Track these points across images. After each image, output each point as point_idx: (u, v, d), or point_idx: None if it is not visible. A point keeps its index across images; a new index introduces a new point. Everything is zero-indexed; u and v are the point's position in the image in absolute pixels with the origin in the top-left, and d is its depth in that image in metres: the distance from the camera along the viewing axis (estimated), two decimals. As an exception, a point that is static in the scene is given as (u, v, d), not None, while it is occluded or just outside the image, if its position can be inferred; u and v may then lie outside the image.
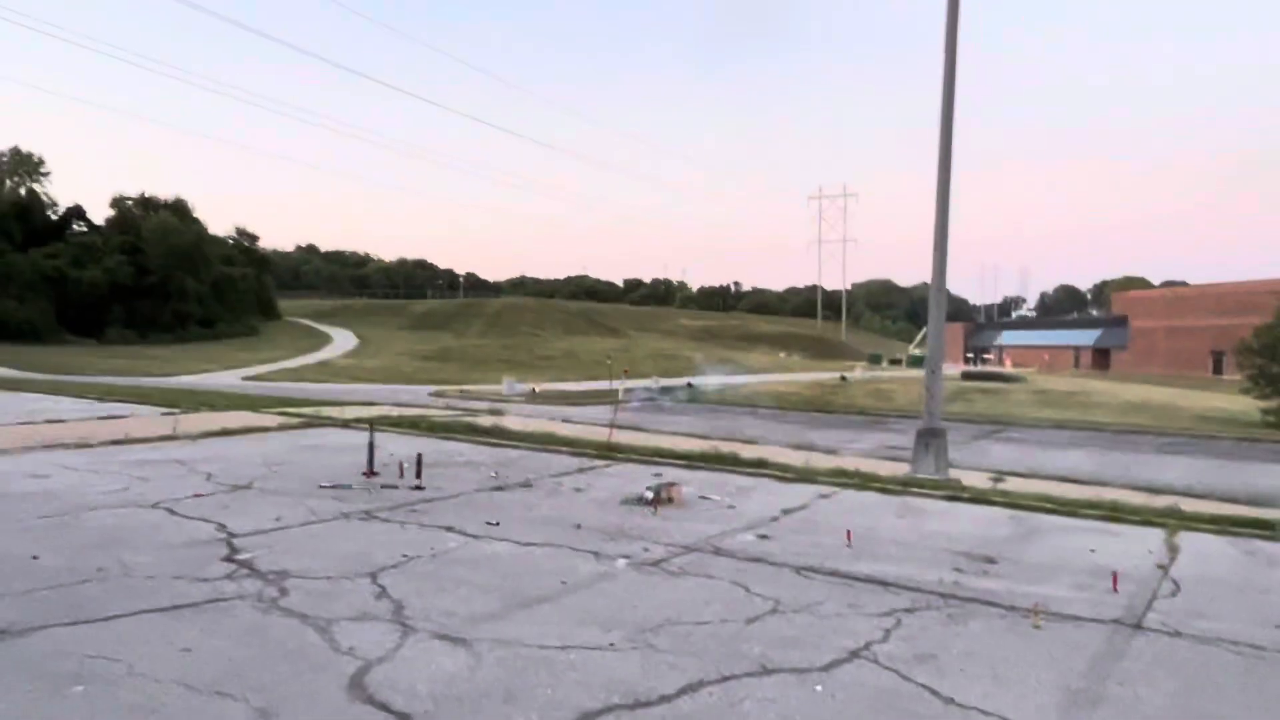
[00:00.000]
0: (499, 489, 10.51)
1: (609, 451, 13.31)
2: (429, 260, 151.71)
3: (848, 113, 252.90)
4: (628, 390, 33.79)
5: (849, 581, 6.99)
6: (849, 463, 13.25)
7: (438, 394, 32.10)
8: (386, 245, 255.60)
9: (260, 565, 6.96)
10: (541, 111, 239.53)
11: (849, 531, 8.47)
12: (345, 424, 16.28)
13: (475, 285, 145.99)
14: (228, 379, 37.33)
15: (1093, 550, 8.25)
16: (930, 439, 12.17)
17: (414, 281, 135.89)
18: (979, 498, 10.57)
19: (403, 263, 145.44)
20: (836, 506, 10.09)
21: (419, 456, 10.67)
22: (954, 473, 12.54)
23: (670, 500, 9.67)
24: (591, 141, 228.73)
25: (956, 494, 10.76)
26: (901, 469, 12.81)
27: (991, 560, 7.80)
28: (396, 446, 13.40)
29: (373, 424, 12.13)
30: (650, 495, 9.73)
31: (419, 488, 10.23)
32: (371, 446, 11.18)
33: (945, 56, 11.47)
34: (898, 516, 9.62)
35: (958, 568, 7.51)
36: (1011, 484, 12.04)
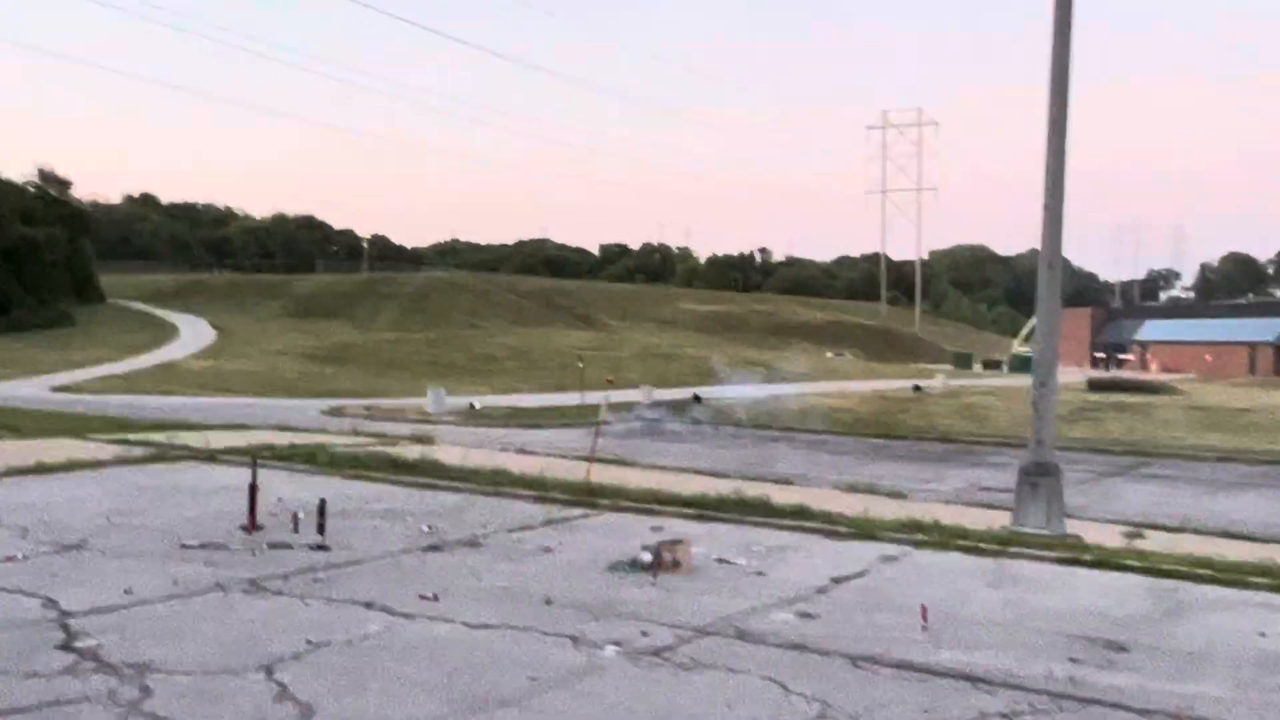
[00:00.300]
0: (435, 549, 10.84)
1: (588, 496, 13.67)
2: (318, 218, 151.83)
3: (923, 7, 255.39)
4: (612, 406, 34.19)
5: (924, 676, 7.37)
6: (925, 511, 13.66)
7: (334, 412, 32.39)
8: (257, 197, 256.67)
9: (111, 655, 7.28)
10: (477, 6, 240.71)
11: (924, 608, 8.86)
12: (210, 456, 16.58)
13: (386, 254, 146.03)
14: (29, 390, 37.56)
15: (1263, 634, 8.66)
16: (1039, 478, 12.60)
17: (296, 248, 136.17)
18: (1106, 560, 10.99)
19: (280, 221, 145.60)
20: (907, 573, 10.48)
21: (321, 504, 11.02)
22: (1073, 525, 12.97)
23: (676, 564, 10.03)
24: (554, 50, 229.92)
25: (1075, 555, 11.18)
26: (999, 520, 13.23)
27: (1121, 647, 8.20)
28: (287, 489, 13.70)
29: (255, 457, 12.43)
30: (648, 558, 10.09)
31: (322, 547, 10.56)
32: (254, 490, 11.50)
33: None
34: (992, 587, 10.01)
35: (1074, 657, 7.90)
36: (1153, 541, 12.49)
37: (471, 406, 34.72)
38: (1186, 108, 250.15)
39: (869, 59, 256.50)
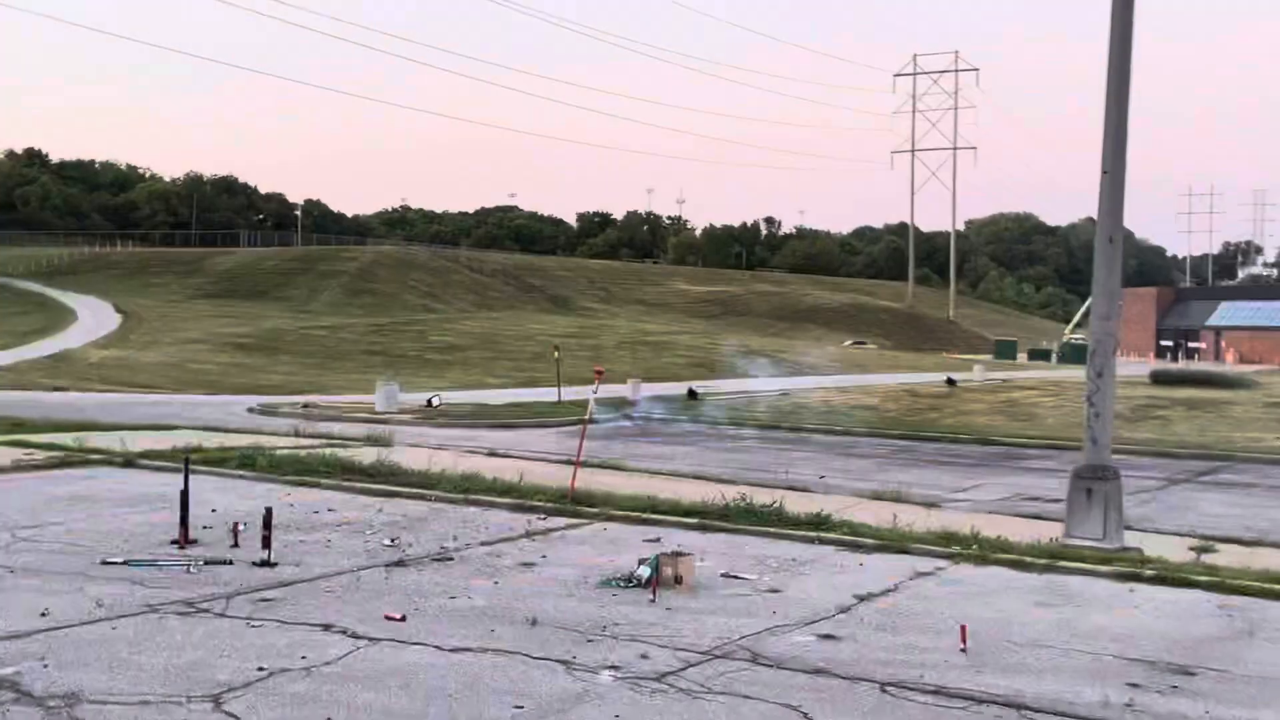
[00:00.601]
0: (400, 565, 11.16)
1: (573, 504, 14.00)
2: (241, 180, 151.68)
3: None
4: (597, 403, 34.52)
5: (964, 704, 7.71)
6: (963, 521, 14.03)
7: (266, 410, 32.61)
8: (168, 154, 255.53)
9: (34, 685, 7.56)
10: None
11: (963, 628, 9.20)
12: (129, 461, 16.85)
13: (324, 224, 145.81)
14: (-102, 385, 37.62)
15: (1345, 656, 9.05)
16: (1094, 484, 12.97)
17: (216, 216, 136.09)
18: (1169, 576, 11.38)
19: (195, 184, 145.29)
20: (943, 590, 10.83)
21: (266, 514, 11.30)
22: (1133, 538, 13.35)
23: (678, 580, 10.37)
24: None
25: (1134, 570, 11.56)
26: (1048, 531, 13.60)
27: (1186, 672, 8.56)
28: (222, 499, 13.99)
29: (187, 459, 12.71)
30: (646, 573, 10.42)
31: (268, 563, 10.85)
32: (185, 497, 11.78)
33: None
34: (1040, 605, 10.37)
35: (1133, 682, 8.25)
36: (1225, 555, 12.88)
37: (429, 403, 34.92)
38: (1268, 53, 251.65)
39: (904, 8, 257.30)
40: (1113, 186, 12.85)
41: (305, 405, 34.17)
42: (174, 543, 11.62)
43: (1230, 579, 11.25)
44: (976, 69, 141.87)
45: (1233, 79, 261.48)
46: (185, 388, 42.43)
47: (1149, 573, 11.48)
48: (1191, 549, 13.18)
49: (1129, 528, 13.91)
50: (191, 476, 12.78)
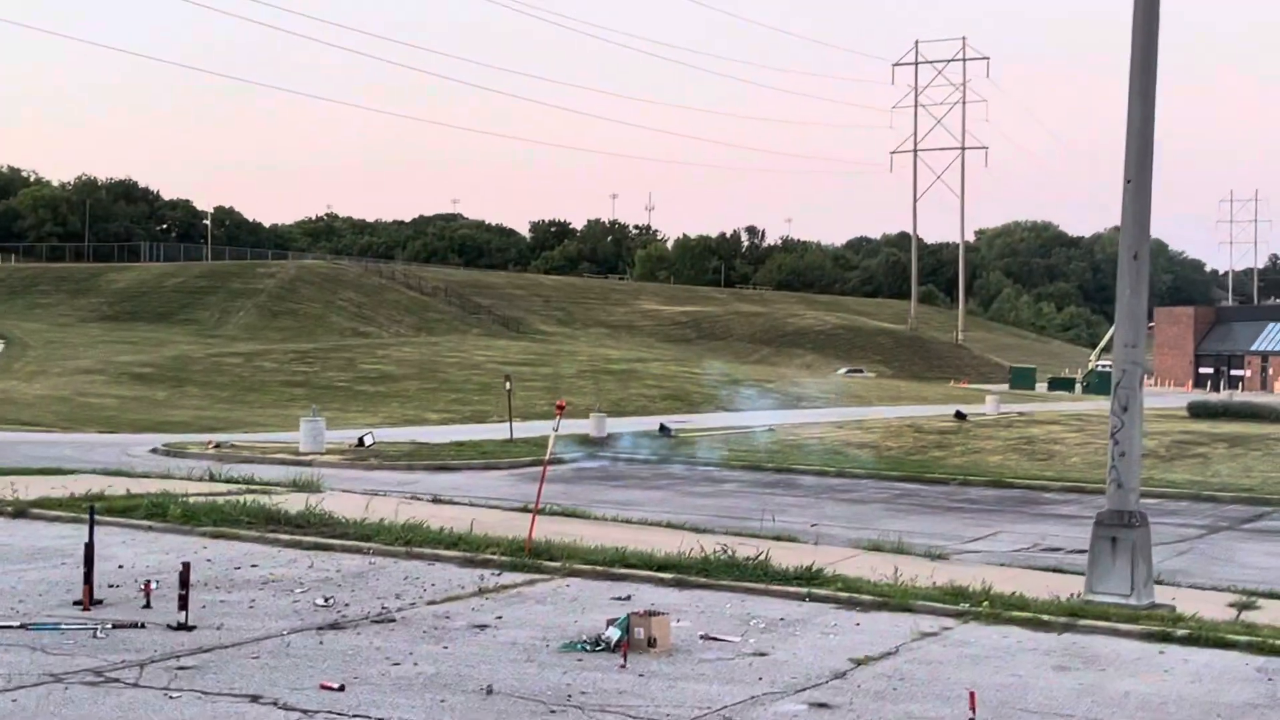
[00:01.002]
0: (335, 627, 11.31)
1: (532, 557, 14.19)
2: (142, 184, 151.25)
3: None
4: (566, 439, 34.60)
5: (972, 778, 7.97)
6: (972, 576, 14.29)
7: (172, 451, 32.66)
8: (54, 156, 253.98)
9: (-75, 764, 7.72)
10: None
11: (972, 695, 9.41)
12: (20, 511, 16.93)
13: (237, 235, 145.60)
14: None
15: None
16: (1120, 532, 13.26)
17: (112, 226, 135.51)
18: (1203, 635, 11.65)
19: (90, 188, 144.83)
20: (950, 653, 11.07)
21: (183, 570, 11.44)
22: (1165, 593, 13.62)
23: (651, 643, 10.56)
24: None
25: (1165, 629, 11.82)
26: (1069, 586, 13.87)
27: (1220, 741, 8.86)
28: (129, 552, 14.09)
29: (91, 508, 12.84)
30: (616, 635, 10.60)
31: (185, 626, 10.98)
32: (90, 552, 11.92)
33: None
34: (1059, 669, 10.63)
35: (1161, 754, 8.54)
36: (1269, 612, 13.17)
37: (360, 442, 35.03)
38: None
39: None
40: (1137, 195, 13.19)
41: (217, 446, 34.19)
42: (77, 603, 11.73)
43: (1272, 638, 11.52)
44: (987, 58, 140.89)
45: (1273, 69, 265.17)
46: (77, 425, 42.37)
47: (1181, 632, 11.75)
48: (1231, 605, 13.44)
49: (1161, 582, 14.20)
50: (95, 527, 12.92)
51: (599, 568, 13.86)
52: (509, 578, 13.60)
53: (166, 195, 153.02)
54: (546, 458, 18.15)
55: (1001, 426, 47.41)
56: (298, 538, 15.40)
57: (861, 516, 23.10)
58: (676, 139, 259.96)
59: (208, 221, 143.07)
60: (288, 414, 44.84)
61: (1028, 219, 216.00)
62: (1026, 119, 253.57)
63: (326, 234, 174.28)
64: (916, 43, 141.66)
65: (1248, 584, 15.47)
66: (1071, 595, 13.25)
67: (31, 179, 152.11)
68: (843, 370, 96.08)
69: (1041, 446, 40.28)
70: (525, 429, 38.49)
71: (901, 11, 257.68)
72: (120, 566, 13.38)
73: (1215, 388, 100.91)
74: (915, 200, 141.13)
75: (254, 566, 13.98)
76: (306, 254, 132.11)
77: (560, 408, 16.01)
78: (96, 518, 13.97)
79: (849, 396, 66.62)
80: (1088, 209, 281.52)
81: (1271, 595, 14.58)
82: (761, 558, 13.99)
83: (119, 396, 52.25)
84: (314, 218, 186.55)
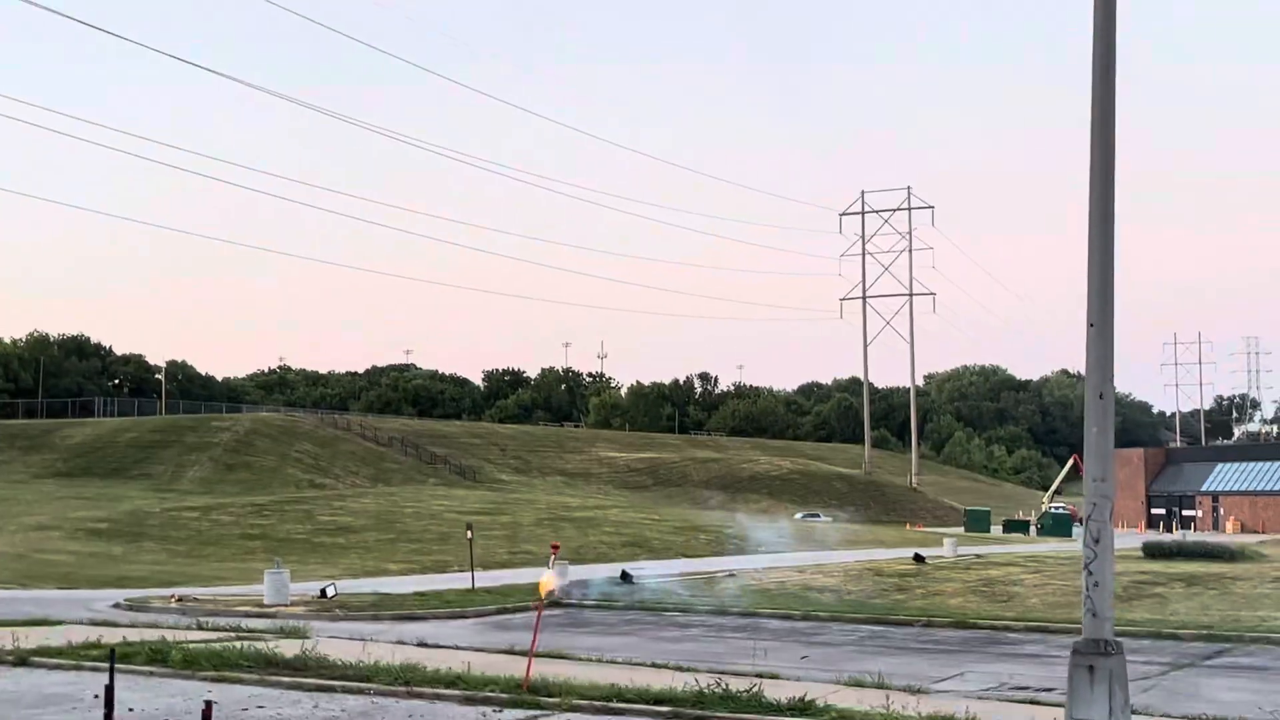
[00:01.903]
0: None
1: (530, 694, 14.64)
2: (95, 340, 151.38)
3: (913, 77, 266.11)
4: (513, 590, 34.77)
5: None
6: (956, 707, 14.82)
7: (135, 606, 32.63)
8: (7, 314, 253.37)
9: None
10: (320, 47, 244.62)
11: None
12: (21, 659, 17.22)
13: (191, 389, 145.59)
14: None
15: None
16: (1096, 660, 13.78)
17: (65, 382, 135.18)
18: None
19: (42, 344, 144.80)
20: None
21: (206, 709, 11.84)
22: (1140, 723, 14.17)
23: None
24: (421, 111, 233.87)
25: (1144, 751, 12.40)
26: (1047, 715, 14.40)
27: None
28: (137, 697, 14.40)
29: (113, 653, 13.18)
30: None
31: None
32: (110, 695, 12.29)
33: None
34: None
35: None
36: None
37: (323, 594, 35.12)
38: (1257, 193, 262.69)
39: (852, 142, 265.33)
40: (1100, 339, 14.00)
41: (179, 599, 34.17)
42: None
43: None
44: (931, 206, 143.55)
45: (1217, 219, 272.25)
46: (34, 582, 42.12)
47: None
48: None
49: (1136, 712, 14.74)
50: (91, 674, 13.30)
51: (597, 702, 14.28)
52: (510, 714, 14.02)
53: (119, 350, 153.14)
54: (543, 597, 18.56)
55: (960, 569, 48.00)
56: (299, 680, 15.78)
57: (832, 658, 23.51)
58: (628, 287, 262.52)
59: (160, 376, 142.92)
60: (247, 567, 44.85)
61: (976, 363, 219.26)
62: (972, 265, 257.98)
63: (280, 386, 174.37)
64: (863, 193, 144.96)
65: (1217, 715, 16.02)
66: (1054, 723, 13.77)
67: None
68: (800, 515, 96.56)
69: (1001, 588, 40.85)
70: (487, 578, 38.72)
71: (847, 162, 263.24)
72: (131, 710, 13.74)
73: (1168, 528, 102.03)
74: (866, 346, 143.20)
75: (260, 708, 14.36)
76: (260, 406, 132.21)
77: (555, 548, 16.56)
78: (94, 664, 14.34)
79: (807, 541, 67.10)
80: (1034, 352, 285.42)
81: (1240, 725, 15.11)
82: (755, 690, 14.46)
83: (75, 552, 51.99)
84: (267, 370, 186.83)
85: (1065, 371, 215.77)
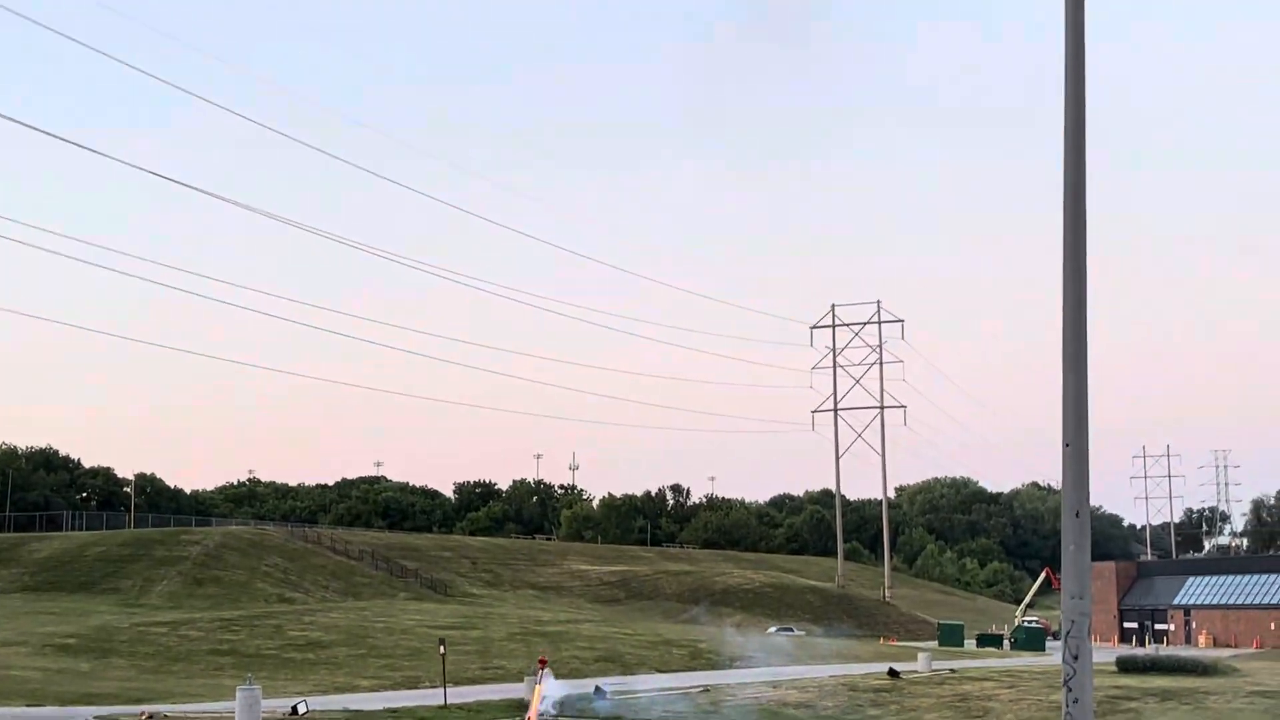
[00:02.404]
0: None
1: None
2: (62, 452, 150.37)
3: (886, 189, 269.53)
4: (484, 708, 34.36)
5: None
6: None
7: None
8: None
9: None
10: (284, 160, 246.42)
11: None
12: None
13: (159, 502, 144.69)
14: None
15: None
16: (1075, 781, 13.63)
17: (32, 496, 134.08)
18: None
19: (9, 457, 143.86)
20: None
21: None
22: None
23: None
24: (385, 217, 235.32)
25: None
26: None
27: None
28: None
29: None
30: None
31: None
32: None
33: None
34: None
35: None
36: None
37: (293, 710, 34.73)
38: (1228, 310, 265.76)
39: (822, 255, 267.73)
40: (1076, 459, 14.02)
41: (149, 717, 33.78)
42: None
43: None
44: (901, 320, 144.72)
45: (1186, 329, 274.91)
46: (1, 699, 41.48)
47: None
48: None
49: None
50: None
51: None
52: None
53: (87, 463, 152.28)
54: (532, 715, 18.33)
55: (935, 684, 47.74)
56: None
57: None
58: (600, 399, 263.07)
59: (129, 489, 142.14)
60: (217, 684, 44.25)
61: (947, 475, 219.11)
62: (943, 378, 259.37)
63: (249, 499, 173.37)
64: (833, 306, 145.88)
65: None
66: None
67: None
68: (773, 629, 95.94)
69: (976, 703, 40.58)
70: (459, 694, 38.27)
71: (818, 275, 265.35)
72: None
73: (1140, 642, 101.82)
74: (838, 458, 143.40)
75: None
76: (230, 519, 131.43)
77: (543, 663, 16.38)
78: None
79: (781, 655, 66.65)
80: (1005, 464, 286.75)
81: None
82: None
83: (43, 669, 51.21)
84: (236, 483, 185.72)
85: (1036, 484, 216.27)
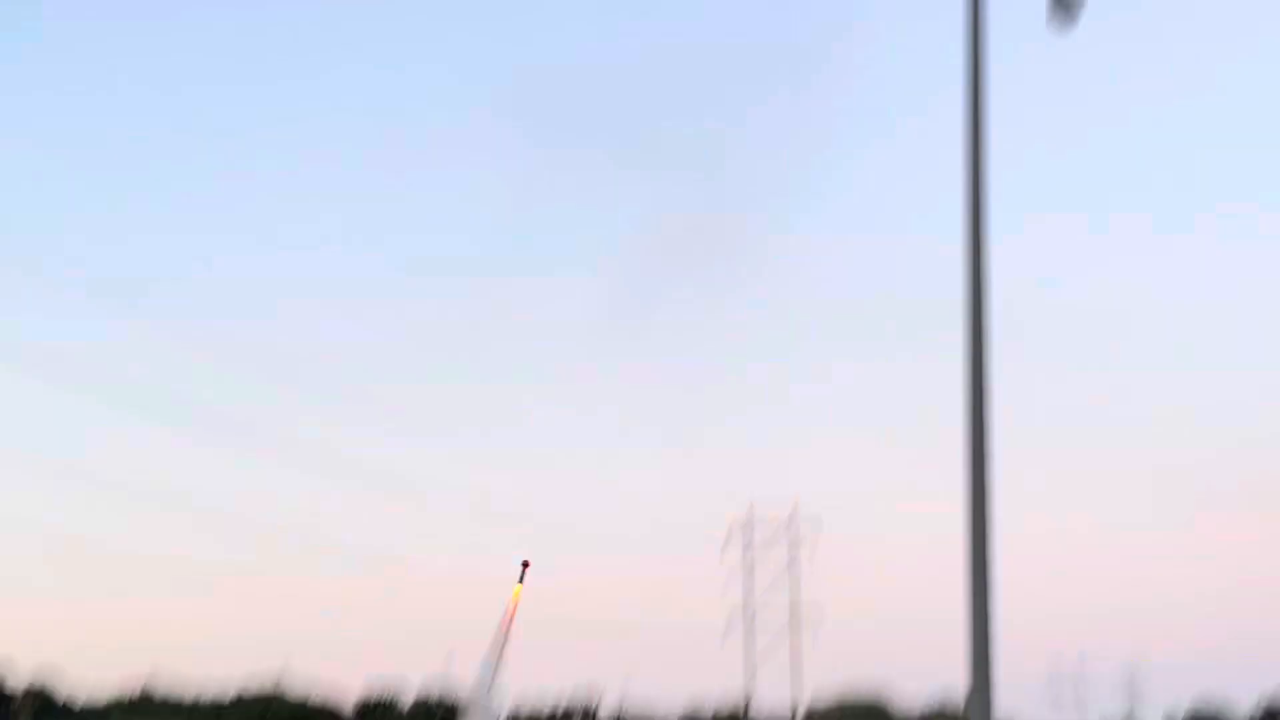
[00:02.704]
0: None
1: None
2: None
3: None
4: None
5: None
6: None
7: None
8: None
9: None
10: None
11: None
12: None
13: (47, 712, 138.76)
14: None
15: None
16: None
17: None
18: None
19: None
20: None
21: None
22: None
23: None
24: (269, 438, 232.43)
25: None
26: None
27: None
28: None
29: None
30: None
31: None
32: None
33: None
34: None
35: None
36: None
37: None
38: (1138, 515, 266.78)
39: (738, 454, 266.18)
40: (980, 678, 13.45)
41: None
42: None
43: None
44: (819, 518, 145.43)
45: (1103, 540, 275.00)
46: None
47: None
48: None
49: None
50: None
51: None
52: None
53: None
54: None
55: None
56: None
57: None
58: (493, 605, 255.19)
59: (15, 700, 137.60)
60: None
61: (863, 682, 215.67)
62: (861, 576, 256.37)
63: (143, 709, 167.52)
64: (750, 504, 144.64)
65: None
66: None
67: None
68: None
69: None
70: None
71: (734, 474, 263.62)
72: None
73: None
74: (750, 665, 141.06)
75: None
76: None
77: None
78: None
79: None
80: (919, 667, 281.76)
81: None
82: None
83: None
84: (129, 700, 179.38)
85: (945, 693, 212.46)
